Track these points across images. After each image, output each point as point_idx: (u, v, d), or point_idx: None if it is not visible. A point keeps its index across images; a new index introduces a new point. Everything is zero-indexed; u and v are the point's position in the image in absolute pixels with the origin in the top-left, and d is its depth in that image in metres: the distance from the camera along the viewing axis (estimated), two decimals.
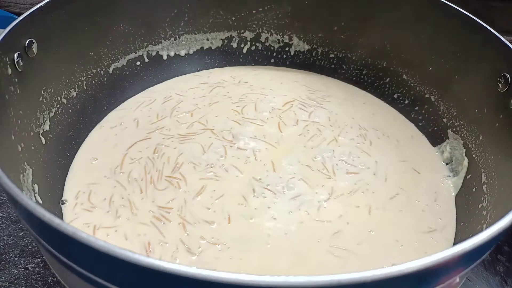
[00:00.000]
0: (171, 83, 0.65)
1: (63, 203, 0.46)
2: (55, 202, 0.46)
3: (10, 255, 0.48)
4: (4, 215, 0.53)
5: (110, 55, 0.58)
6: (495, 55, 0.46)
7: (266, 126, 0.55)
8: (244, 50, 0.69)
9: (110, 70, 0.59)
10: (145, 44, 0.62)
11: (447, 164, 0.54)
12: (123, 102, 0.60)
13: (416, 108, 0.60)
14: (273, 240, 0.43)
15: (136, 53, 0.62)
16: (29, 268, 0.47)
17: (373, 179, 0.51)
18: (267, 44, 0.68)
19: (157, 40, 0.63)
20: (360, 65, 0.65)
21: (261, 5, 0.65)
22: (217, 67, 0.68)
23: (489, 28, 0.47)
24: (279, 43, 0.68)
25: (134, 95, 0.62)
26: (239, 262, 0.41)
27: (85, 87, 0.55)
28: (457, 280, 0.29)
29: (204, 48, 0.67)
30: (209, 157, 0.51)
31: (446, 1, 0.53)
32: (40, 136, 0.46)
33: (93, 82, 0.56)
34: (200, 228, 0.44)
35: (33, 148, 0.44)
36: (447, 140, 0.55)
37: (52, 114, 0.49)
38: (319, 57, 0.68)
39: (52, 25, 0.46)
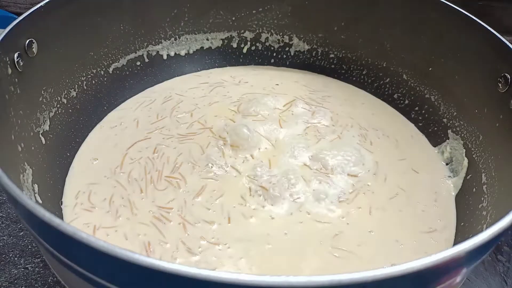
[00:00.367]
0: (171, 83, 0.65)
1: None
2: (55, 202, 0.46)
3: (10, 255, 0.48)
4: (4, 215, 0.53)
5: (110, 55, 0.58)
6: (495, 55, 0.46)
7: (266, 126, 0.55)
8: (244, 50, 0.69)
9: (110, 70, 0.59)
10: (145, 44, 0.62)
11: (447, 164, 0.54)
12: (123, 102, 0.60)
13: (416, 108, 0.60)
14: (273, 240, 0.43)
15: (136, 53, 0.62)
16: (29, 268, 0.47)
17: (373, 179, 0.51)
18: (267, 44, 0.68)
19: (157, 40, 0.63)
20: (360, 65, 0.65)
21: (261, 5, 0.65)
22: (217, 67, 0.68)
23: (489, 28, 0.47)
24: (279, 43, 0.68)
25: (134, 95, 0.62)
26: (239, 262, 0.41)
27: (85, 87, 0.55)
28: (457, 280, 0.29)
29: (204, 48, 0.67)
30: (209, 157, 0.51)
31: (446, 1, 0.53)
32: (40, 136, 0.46)
33: (93, 82, 0.56)
34: (200, 228, 0.44)
35: (33, 148, 0.44)
36: (447, 140, 0.55)
37: (52, 114, 0.49)
38: (319, 57, 0.68)
39: (52, 25, 0.46)
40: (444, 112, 0.56)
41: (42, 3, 0.44)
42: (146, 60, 0.63)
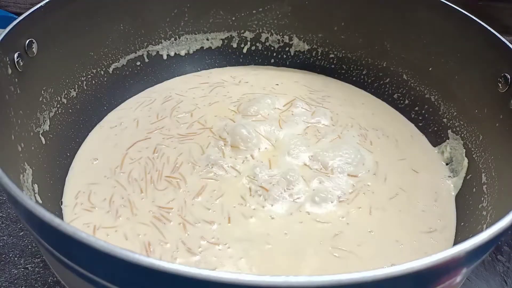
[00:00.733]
0: (171, 83, 0.65)
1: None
2: (55, 202, 0.46)
3: (10, 255, 0.48)
4: (4, 215, 0.53)
5: (110, 55, 0.58)
6: (495, 55, 0.46)
7: (266, 125, 0.55)
8: (244, 50, 0.69)
9: (110, 70, 0.59)
10: (145, 44, 0.62)
11: (447, 164, 0.54)
12: (123, 102, 0.60)
13: (416, 108, 0.60)
14: (273, 240, 0.43)
15: (136, 53, 0.62)
16: (29, 268, 0.47)
17: (373, 179, 0.51)
18: (267, 44, 0.68)
19: (157, 40, 0.63)
20: (360, 65, 0.65)
21: (261, 5, 0.65)
22: (217, 67, 0.68)
23: (489, 28, 0.47)
24: (279, 43, 0.68)
25: (134, 95, 0.62)
26: (239, 262, 0.41)
27: (85, 87, 0.55)
28: (457, 280, 0.29)
29: (204, 48, 0.67)
30: (209, 157, 0.51)
31: (446, 1, 0.53)
32: (40, 136, 0.46)
33: (93, 82, 0.56)
34: (200, 228, 0.44)
35: (33, 148, 0.44)
36: (447, 140, 0.55)
37: (52, 114, 0.49)
38: (319, 57, 0.68)
39: (52, 25, 0.46)
40: (444, 112, 0.56)
41: (42, 3, 0.44)
42: (146, 60, 0.63)
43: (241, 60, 0.69)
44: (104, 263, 0.25)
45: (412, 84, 0.61)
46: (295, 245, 0.43)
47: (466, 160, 0.51)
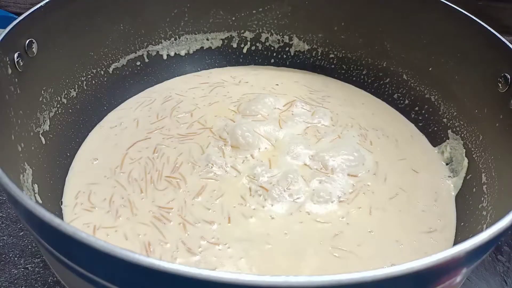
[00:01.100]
0: (171, 83, 0.65)
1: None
2: (55, 202, 0.46)
3: (10, 255, 0.48)
4: (4, 215, 0.53)
5: (110, 55, 0.58)
6: (495, 55, 0.46)
7: (266, 125, 0.55)
8: (244, 50, 0.69)
9: (110, 70, 0.59)
10: (145, 44, 0.62)
11: (447, 164, 0.54)
12: (123, 102, 0.60)
13: (416, 108, 0.60)
14: (273, 240, 0.43)
15: (136, 53, 0.62)
16: (29, 268, 0.47)
17: (373, 179, 0.51)
18: (267, 44, 0.68)
19: (157, 40, 0.63)
20: (360, 65, 0.65)
21: (261, 5, 0.65)
22: (217, 67, 0.68)
23: (489, 28, 0.47)
24: (279, 43, 0.68)
25: (134, 95, 0.62)
26: (239, 262, 0.41)
27: (85, 87, 0.55)
28: (457, 280, 0.29)
29: (204, 48, 0.67)
30: (209, 157, 0.51)
31: (446, 1, 0.53)
32: (40, 136, 0.46)
33: (93, 82, 0.56)
34: (200, 228, 0.44)
35: (33, 148, 0.44)
36: (447, 140, 0.55)
37: (52, 114, 0.49)
38: (319, 57, 0.68)
39: (52, 25, 0.46)
40: (444, 112, 0.56)
41: (42, 3, 0.44)
42: (146, 60, 0.63)
43: (241, 60, 0.69)
44: (104, 263, 0.25)
45: (412, 84, 0.61)
46: (295, 245, 0.43)
47: (466, 160, 0.51)
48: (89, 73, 0.55)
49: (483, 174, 0.47)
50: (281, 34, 0.67)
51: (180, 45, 0.65)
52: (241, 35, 0.67)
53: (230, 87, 0.64)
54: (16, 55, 0.41)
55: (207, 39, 0.67)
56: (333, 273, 0.22)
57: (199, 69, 0.67)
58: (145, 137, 0.54)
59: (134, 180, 0.48)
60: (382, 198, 0.49)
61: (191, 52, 0.67)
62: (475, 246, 0.25)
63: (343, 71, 0.67)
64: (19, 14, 0.43)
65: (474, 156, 0.50)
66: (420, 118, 0.60)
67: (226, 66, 0.69)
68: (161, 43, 0.64)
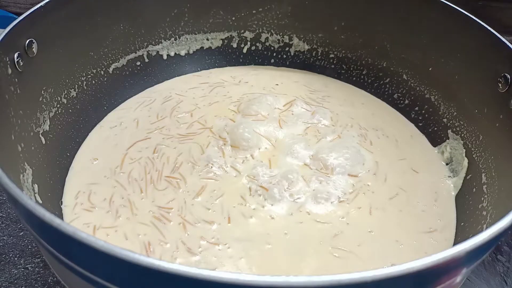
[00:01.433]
0: (171, 83, 0.65)
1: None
2: (55, 202, 0.46)
3: (10, 255, 0.48)
4: (4, 215, 0.53)
5: (110, 55, 0.58)
6: (495, 55, 0.46)
7: (266, 125, 0.55)
8: (244, 50, 0.69)
9: (110, 70, 0.59)
10: (145, 44, 0.62)
11: (447, 164, 0.54)
12: (123, 102, 0.60)
13: (416, 108, 0.60)
14: (273, 240, 0.43)
15: (136, 53, 0.62)
16: (29, 268, 0.47)
17: (373, 179, 0.51)
18: (267, 44, 0.68)
19: (157, 40, 0.63)
20: (360, 65, 0.65)
21: (261, 5, 0.65)
22: (217, 67, 0.68)
23: (489, 28, 0.47)
24: (279, 43, 0.68)
25: (134, 95, 0.62)
26: (239, 262, 0.41)
27: (85, 87, 0.55)
28: (457, 280, 0.29)
29: (204, 48, 0.67)
30: (209, 157, 0.51)
31: (446, 1, 0.53)
32: (40, 136, 0.46)
33: (93, 82, 0.56)
34: (200, 228, 0.44)
35: (33, 148, 0.44)
36: (447, 140, 0.55)
37: (52, 114, 0.49)
38: (319, 57, 0.68)
39: (52, 25, 0.46)
40: (444, 112, 0.56)
41: (42, 3, 0.44)
42: (146, 60, 0.63)
43: (241, 60, 0.69)
44: (104, 263, 0.25)
45: (412, 84, 0.61)
46: (295, 245, 0.43)
47: (466, 160, 0.51)
48: (89, 73, 0.55)
49: (483, 174, 0.47)
50: (281, 34, 0.67)
51: (180, 45, 0.65)
52: (241, 35, 0.67)
53: (230, 87, 0.64)
54: (16, 55, 0.41)
55: (207, 39, 0.67)
56: (333, 273, 0.22)
57: (199, 69, 0.67)
58: (145, 137, 0.54)
59: (134, 180, 0.48)
60: (382, 198, 0.49)
61: (191, 52, 0.67)
62: (475, 246, 0.25)
63: (343, 71, 0.67)
64: (19, 14, 0.43)
65: (474, 156, 0.50)
66: (420, 118, 0.60)
67: (226, 66, 0.69)
68: (161, 43, 0.64)
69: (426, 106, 0.59)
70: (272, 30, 0.67)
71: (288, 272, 0.41)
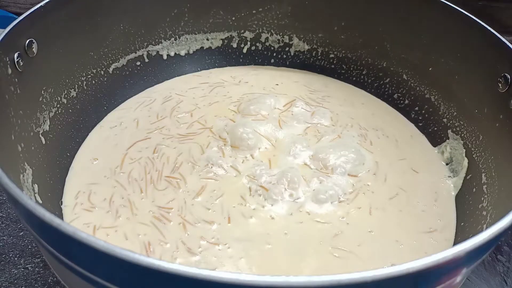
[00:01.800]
0: (171, 83, 0.65)
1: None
2: (55, 202, 0.46)
3: (10, 255, 0.48)
4: (4, 215, 0.53)
5: (110, 55, 0.58)
6: (495, 55, 0.46)
7: (266, 125, 0.55)
8: (244, 50, 0.69)
9: (110, 70, 0.59)
10: (145, 44, 0.62)
11: (447, 164, 0.54)
12: (123, 102, 0.60)
13: (416, 108, 0.60)
14: (273, 240, 0.43)
15: (136, 53, 0.62)
16: (29, 268, 0.47)
17: (373, 179, 0.51)
18: (267, 44, 0.68)
19: (157, 40, 0.63)
20: (360, 65, 0.65)
21: (261, 5, 0.65)
22: (217, 67, 0.68)
23: (489, 28, 0.47)
24: (279, 43, 0.68)
25: (134, 95, 0.62)
26: (239, 262, 0.41)
27: (85, 87, 0.55)
28: (457, 280, 0.29)
29: (204, 48, 0.67)
30: (209, 157, 0.51)
31: (446, 1, 0.53)
32: (40, 136, 0.46)
33: (93, 82, 0.56)
34: (200, 228, 0.44)
35: (33, 148, 0.44)
36: (447, 140, 0.55)
37: (52, 114, 0.49)
38: (319, 57, 0.68)
39: (52, 25, 0.46)
40: (444, 112, 0.56)
41: (42, 3, 0.44)
42: (146, 60, 0.63)
43: (241, 60, 0.69)
44: (104, 263, 0.25)
45: (412, 84, 0.61)
46: (295, 245, 0.43)
47: (466, 160, 0.51)
48: (89, 73, 0.55)
49: (483, 174, 0.47)
50: (281, 34, 0.67)
51: (180, 45, 0.65)
52: (241, 35, 0.67)
53: (230, 87, 0.64)
54: (16, 55, 0.41)
55: (207, 39, 0.67)
56: (333, 273, 0.22)
57: (199, 69, 0.67)
58: (145, 137, 0.54)
59: (134, 180, 0.48)
60: (382, 198, 0.49)
61: (191, 52, 0.67)
62: (475, 246, 0.25)
63: (343, 71, 0.67)
64: (19, 14, 0.43)
65: (474, 156, 0.50)
66: (420, 118, 0.60)
67: (226, 66, 0.69)
68: (161, 43, 0.64)
69: (426, 106, 0.59)
70: (272, 30, 0.67)
71: (288, 272, 0.41)
